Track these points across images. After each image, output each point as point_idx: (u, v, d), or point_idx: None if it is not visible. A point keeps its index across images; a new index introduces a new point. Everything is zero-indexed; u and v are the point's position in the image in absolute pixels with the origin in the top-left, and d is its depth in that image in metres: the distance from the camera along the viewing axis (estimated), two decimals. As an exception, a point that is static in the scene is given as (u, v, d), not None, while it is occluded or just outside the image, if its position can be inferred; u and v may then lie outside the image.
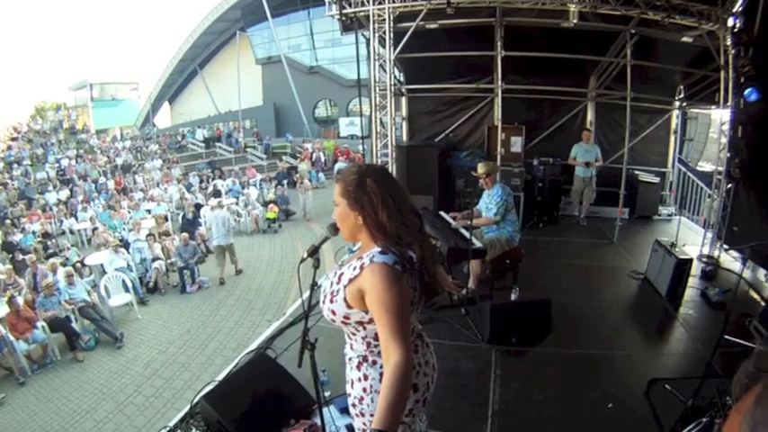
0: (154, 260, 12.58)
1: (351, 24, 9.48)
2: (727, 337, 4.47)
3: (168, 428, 4.42)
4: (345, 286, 2.13)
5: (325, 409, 3.07)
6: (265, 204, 18.44)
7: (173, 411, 6.66)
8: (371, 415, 2.17)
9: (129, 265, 11.98)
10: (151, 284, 12.08)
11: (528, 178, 10.43)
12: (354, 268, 2.13)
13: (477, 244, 6.09)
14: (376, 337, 2.11)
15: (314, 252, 2.38)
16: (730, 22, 8.19)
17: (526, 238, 7.65)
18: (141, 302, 11.29)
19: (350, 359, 2.33)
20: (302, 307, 2.50)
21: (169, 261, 13.04)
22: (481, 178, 6.48)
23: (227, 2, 37.36)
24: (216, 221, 13.01)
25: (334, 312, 2.19)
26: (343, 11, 9.03)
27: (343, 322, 2.20)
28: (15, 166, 27.41)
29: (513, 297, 6.39)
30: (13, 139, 33.51)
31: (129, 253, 12.57)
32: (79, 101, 47.10)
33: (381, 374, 2.09)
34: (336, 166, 21.20)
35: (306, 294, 2.38)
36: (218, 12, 38.27)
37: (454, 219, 6.61)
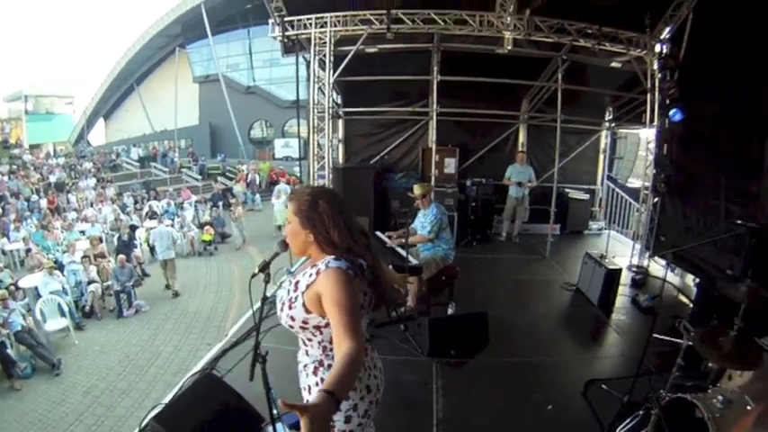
0: (90, 283, 12.25)
1: (292, 47, 9.59)
2: (656, 335, 4.85)
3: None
4: (303, 292, 2.30)
5: (277, 425, 3.18)
6: (201, 226, 18.22)
7: None
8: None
9: (64, 288, 11.58)
10: (87, 308, 11.75)
11: (461, 198, 10.83)
12: (310, 275, 2.30)
13: (414, 262, 6.30)
14: (332, 341, 2.25)
15: (265, 267, 2.53)
16: (657, 48, 8.83)
17: (461, 255, 7.89)
18: (77, 327, 10.97)
19: (305, 366, 2.48)
20: (250, 323, 2.65)
21: (105, 284, 12.66)
22: (418, 199, 6.72)
23: (168, 16, 36.71)
24: (160, 237, 13.14)
25: (293, 318, 2.35)
26: (286, 33, 9.16)
27: (301, 327, 2.35)
28: None
29: (449, 312, 6.60)
30: None
31: (63, 275, 12.18)
32: (13, 113, 45.23)
33: None
34: (278, 188, 21.03)
35: (257, 307, 2.53)
36: (159, 26, 37.51)
37: (390, 238, 6.76)
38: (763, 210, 6.42)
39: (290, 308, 2.35)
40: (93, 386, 8.61)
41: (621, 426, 4.17)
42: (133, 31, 41.16)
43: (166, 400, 4.75)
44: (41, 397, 8.40)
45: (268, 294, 2.52)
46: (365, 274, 2.37)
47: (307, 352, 2.47)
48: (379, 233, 7.17)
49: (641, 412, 4.09)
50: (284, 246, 2.53)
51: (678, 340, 4.02)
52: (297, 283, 2.36)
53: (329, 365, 2.36)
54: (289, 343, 2.74)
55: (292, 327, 2.39)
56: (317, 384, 2.39)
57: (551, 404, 4.73)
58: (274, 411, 4.23)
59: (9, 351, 9.12)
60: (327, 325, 2.26)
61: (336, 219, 2.37)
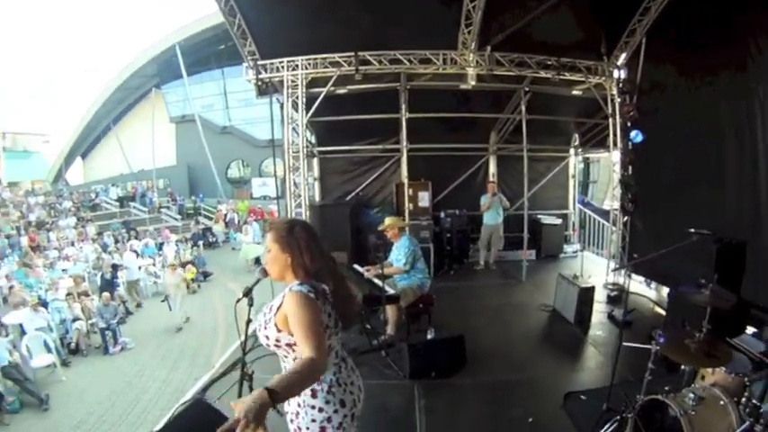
0: (74, 320, 12.33)
1: (266, 89, 9.88)
2: (627, 344, 5.05)
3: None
4: (275, 314, 2.60)
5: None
6: (183, 265, 18.19)
7: None
8: (307, 428, 2.60)
9: (49, 325, 11.71)
10: (73, 345, 11.81)
11: (436, 230, 11.06)
12: (280, 298, 2.62)
13: (390, 291, 6.57)
14: None
15: (248, 293, 2.84)
16: (615, 74, 9.39)
17: (439, 285, 8.20)
18: (64, 364, 11.03)
19: None
20: (237, 354, 2.92)
21: (90, 321, 12.79)
22: (387, 231, 7.06)
23: (144, 56, 36.73)
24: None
25: (267, 337, 2.65)
26: (259, 76, 9.49)
27: (275, 345, 2.64)
28: None
29: (429, 337, 6.79)
30: None
31: (48, 312, 12.28)
32: (-9, 149, 45.06)
33: (312, 390, 2.57)
34: (245, 227, 21.37)
35: (243, 329, 2.83)
36: (133, 67, 37.37)
37: (367, 271, 7.00)
38: (724, 216, 6.84)
39: (266, 328, 2.65)
40: (82, 420, 8.69)
41: (601, 432, 4.35)
42: (108, 70, 40.93)
43: (158, 427, 4.90)
44: (30, 431, 8.49)
45: (252, 317, 2.81)
46: (328, 297, 2.68)
47: (285, 368, 2.73)
48: (357, 266, 7.42)
49: (618, 417, 4.28)
50: (264, 272, 2.82)
51: (648, 346, 4.26)
52: (272, 306, 2.66)
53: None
54: (277, 371, 2.98)
55: (269, 345, 2.68)
56: (298, 405, 2.63)
57: (531, 417, 4.94)
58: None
59: None
60: (297, 343, 2.54)
61: (310, 244, 2.71)
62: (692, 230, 4.77)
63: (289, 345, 2.59)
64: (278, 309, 2.60)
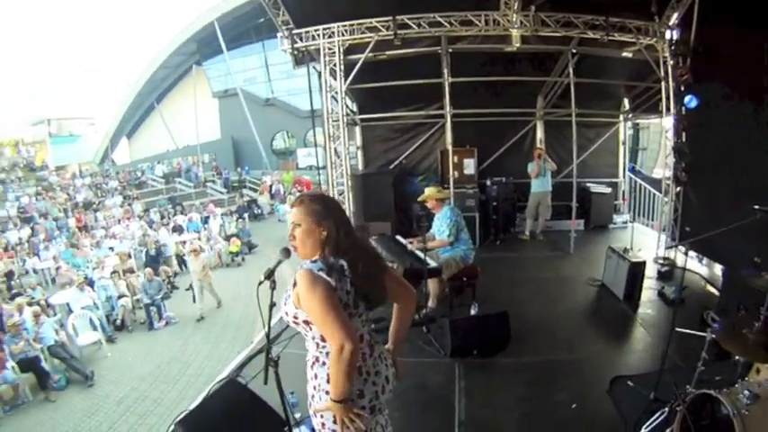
0: (120, 297, 12.52)
1: (303, 58, 9.72)
2: (679, 329, 4.72)
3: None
4: (293, 290, 2.44)
5: (295, 430, 3.25)
6: (227, 238, 18.46)
7: None
8: (321, 416, 2.51)
9: (95, 303, 11.90)
10: (118, 322, 11.97)
11: (482, 199, 10.75)
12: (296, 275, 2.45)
13: (433, 264, 6.28)
14: (323, 339, 2.44)
15: (270, 275, 2.63)
16: (668, 34, 8.72)
17: (484, 256, 7.91)
18: (109, 340, 11.20)
19: (307, 360, 2.62)
20: (275, 331, 2.75)
21: (135, 298, 12.94)
22: (427, 203, 6.79)
23: (182, 35, 36.94)
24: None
25: (287, 314, 2.51)
26: (295, 45, 9.31)
27: (294, 323, 2.51)
28: None
29: (472, 312, 6.57)
30: None
31: (94, 291, 12.48)
32: (37, 137, 46.03)
33: (329, 375, 2.41)
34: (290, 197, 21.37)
35: (266, 313, 2.62)
36: (173, 45, 37.75)
37: (410, 243, 6.80)
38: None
39: (285, 304, 2.52)
40: (125, 396, 8.80)
41: (647, 424, 4.08)
42: (148, 51, 41.46)
43: (193, 405, 4.89)
44: (76, 408, 8.62)
45: (275, 301, 2.60)
46: (345, 273, 2.45)
47: (308, 347, 2.61)
48: (399, 237, 7.24)
49: (666, 410, 4.00)
50: (286, 253, 2.65)
51: (702, 333, 3.93)
52: (293, 283, 2.49)
53: (323, 363, 2.50)
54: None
55: (288, 322, 2.55)
56: (311, 379, 2.58)
57: (575, 403, 4.67)
58: (297, 415, 4.30)
59: (43, 364, 9.38)
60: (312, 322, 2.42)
61: (344, 218, 2.60)
62: (757, 207, 4.31)
63: (306, 322, 2.48)
64: (294, 285, 2.45)
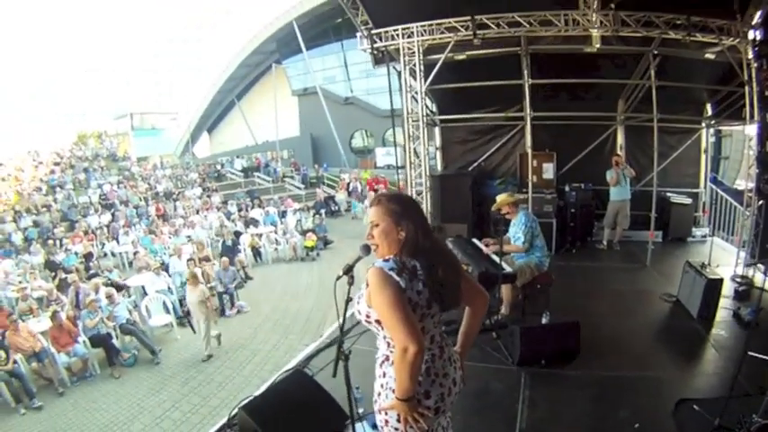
0: (194, 284, 12.82)
1: (382, 58, 9.78)
2: (752, 353, 4.50)
3: (205, 436, 4.63)
4: (366, 289, 2.44)
5: (358, 425, 3.26)
6: (303, 233, 18.70)
7: (209, 427, 6.92)
8: (386, 413, 2.52)
9: (169, 288, 12.35)
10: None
11: (560, 204, 10.48)
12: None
13: (508, 269, 6.21)
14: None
15: (348, 270, 2.63)
16: (751, 35, 8.25)
17: (560, 264, 7.76)
18: (180, 324, 11.49)
19: (377, 358, 2.63)
20: (338, 325, 2.77)
21: (209, 285, 13.14)
22: (502, 209, 6.69)
23: (261, 35, 38.14)
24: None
25: (359, 312, 2.52)
26: (374, 45, 9.38)
27: (366, 321, 2.51)
28: (58, 189, 28.25)
29: (544, 321, 6.43)
30: (56, 164, 34.50)
31: (169, 276, 12.97)
32: (120, 129, 48.42)
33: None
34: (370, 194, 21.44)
35: (341, 308, 2.64)
36: (253, 44, 39.07)
37: (486, 246, 6.72)
38: None
39: (358, 302, 2.52)
40: (191, 378, 9.04)
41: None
42: (230, 49, 42.80)
43: (259, 392, 5.01)
44: (141, 384, 8.94)
45: (352, 296, 2.61)
46: (418, 274, 2.44)
47: (378, 345, 2.62)
48: (475, 240, 7.17)
49: None
50: (366, 250, 2.63)
51: None
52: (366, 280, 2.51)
53: (393, 362, 2.47)
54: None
55: (360, 320, 2.56)
56: (379, 377, 2.59)
57: (638, 422, 4.50)
58: (360, 410, 4.30)
59: (114, 341, 9.82)
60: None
61: (424, 219, 2.59)
62: None
63: (378, 321, 2.47)
64: (367, 284, 2.44)
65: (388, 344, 2.50)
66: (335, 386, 4.09)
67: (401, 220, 2.49)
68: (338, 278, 2.63)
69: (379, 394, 2.56)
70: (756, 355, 4.62)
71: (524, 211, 6.74)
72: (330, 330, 7.01)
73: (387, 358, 2.53)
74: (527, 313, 6.56)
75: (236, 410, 4.51)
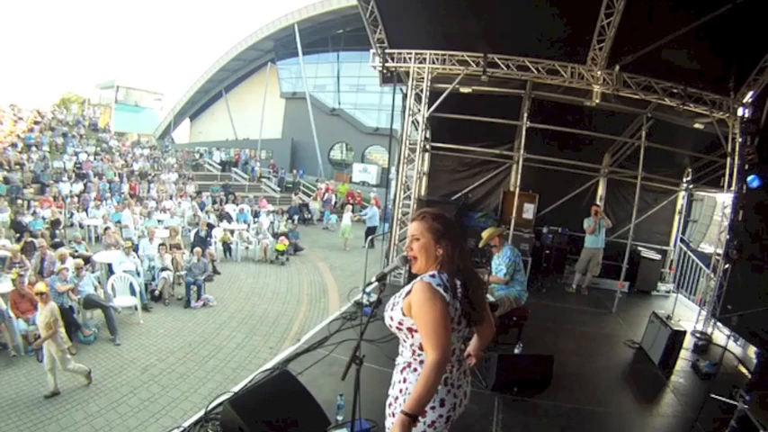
0: (162, 269, 12.65)
1: (390, 77, 9.99)
2: (713, 396, 4.84)
3: (182, 429, 4.71)
4: (403, 298, 2.64)
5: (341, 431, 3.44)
6: (276, 236, 18.62)
7: (167, 419, 6.88)
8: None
9: (137, 270, 12.06)
10: (157, 293, 12.13)
11: (536, 244, 10.89)
12: (411, 285, 2.64)
13: (490, 298, 6.51)
14: (421, 348, 2.60)
15: (382, 278, 2.88)
16: (740, 111, 8.86)
17: (531, 300, 8.00)
18: (145, 308, 11.34)
19: (397, 364, 2.81)
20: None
21: (177, 273, 13.13)
22: (492, 241, 6.97)
23: (262, 32, 38.19)
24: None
25: (392, 318, 2.70)
26: (386, 64, 9.57)
27: (397, 328, 2.68)
28: (34, 149, 27.27)
29: (516, 351, 6.66)
30: (36, 123, 33.40)
31: (137, 257, 12.69)
32: (103, 100, 47.79)
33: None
34: (367, 212, 21.28)
35: (367, 310, 2.85)
36: (252, 40, 39.05)
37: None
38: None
39: (392, 310, 2.70)
40: (151, 365, 8.82)
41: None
42: (226, 40, 42.73)
43: (236, 388, 5.10)
44: (99, 365, 8.62)
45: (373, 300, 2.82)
46: (458, 293, 2.63)
47: (401, 353, 2.78)
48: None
49: None
50: (404, 261, 2.83)
51: (735, 402, 4.02)
52: (402, 291, 2.70)
53: (414, 369, 2.66)
54: (382, 365, 2.96)
55: (391, 326, 2.72)
56: (399, 382, 2.73)
57: None
58: (339, 417, 4.47)
59: (76, 316, 9.60)
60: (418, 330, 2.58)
61: (461, 240, 2.81)
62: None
63: (410, 329, 2.64)
64: (407, 294, 2.63)
65: (414, 351, 2.68)
66: (314, 390, 4.33)
67: (442, 239, 2.69)
68: (370, 284, 2.85)
69: (396, 399, 2.71)
70: (717, 397, 4.97)
71: (510, 246, 7.06)
72: (309, 335, 7.05)
73: (409, 365, 2.70)
74: (500, 343, 6.82)
75: (213, 404, 4.61)
